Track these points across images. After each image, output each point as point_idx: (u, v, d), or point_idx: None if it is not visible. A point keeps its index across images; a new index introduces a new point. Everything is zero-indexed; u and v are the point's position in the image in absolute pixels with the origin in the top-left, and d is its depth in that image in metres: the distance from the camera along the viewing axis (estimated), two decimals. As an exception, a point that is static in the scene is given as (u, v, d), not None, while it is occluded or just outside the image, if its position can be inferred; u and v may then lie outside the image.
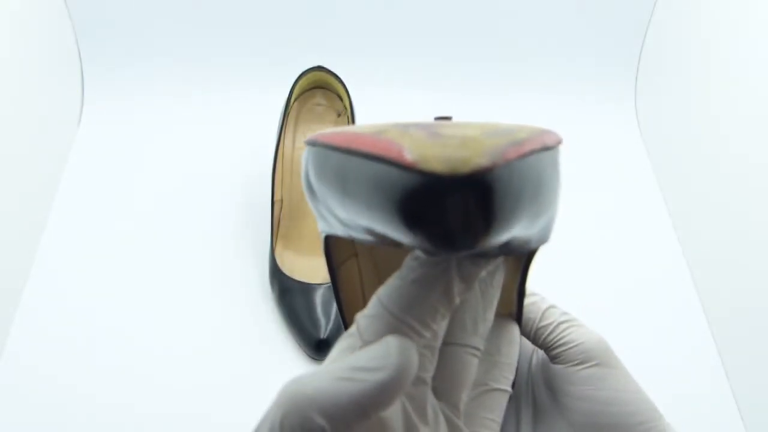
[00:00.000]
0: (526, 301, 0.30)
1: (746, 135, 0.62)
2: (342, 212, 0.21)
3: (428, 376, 0.23)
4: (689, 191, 0.70)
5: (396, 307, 0.21)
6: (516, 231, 0.19)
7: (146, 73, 0.78)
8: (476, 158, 0.17)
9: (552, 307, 0.30)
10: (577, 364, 0.28)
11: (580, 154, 0.76)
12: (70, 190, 0.69)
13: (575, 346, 0.29)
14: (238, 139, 0.74)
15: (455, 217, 0.17)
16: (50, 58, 0.72)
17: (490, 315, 0.26)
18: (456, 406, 0.25)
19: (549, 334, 0.29)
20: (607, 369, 0.28)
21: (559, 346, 0.29)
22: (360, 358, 0.20)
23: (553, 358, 0.29)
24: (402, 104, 0.77)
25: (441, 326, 0.23)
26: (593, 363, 0.28)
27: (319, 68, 0.66)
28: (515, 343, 0.28)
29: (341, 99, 0.68)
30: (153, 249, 0.65)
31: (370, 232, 0.21)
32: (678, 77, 0.74)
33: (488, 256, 0.23)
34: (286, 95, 0.65)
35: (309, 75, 0.66)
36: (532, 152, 0.19)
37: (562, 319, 0.29)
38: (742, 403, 0.59)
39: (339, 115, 0.69)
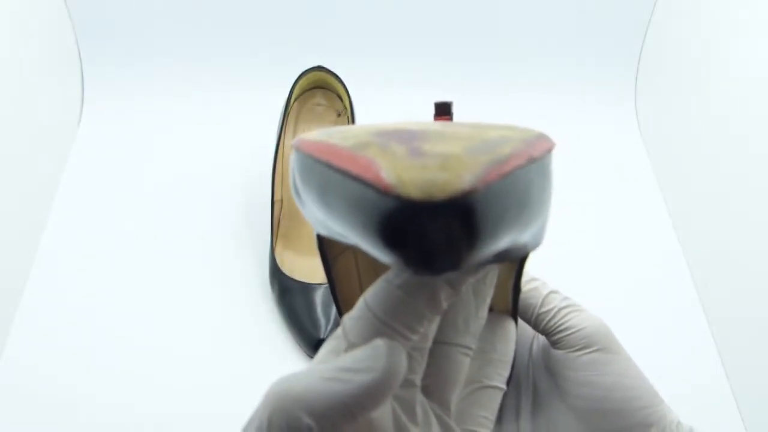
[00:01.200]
0: (527, 286, 0.30)
1: (746, 135, 0.62)
2: (325, 220, 0.21)
3: (417, 377, 0.23)
4: (689, 191, 0.70)
5: (381, 311, 0.21)
6: (503, 245, 0.19)
7: (146, 73, 0.78)
8: (454, 182, 0.17)
9: (553, 292, 0.30)
10: (579, 350, 0.28)
11: (580, 154, 0.76)
12: (70, 190, 0.69)
13: (577, 331, 0.29)
14: (238, 139, 0.74)
15: (434, 242, 0.17)
16: (50, 58, 0.72)
17: (483, 313, 0.25)
18: (447, 405, 0.24)
19: (550, 320, 0.29)
20: (609, 354, 0.28)
21: (561, 331, 0.29)
22: (349, 359, 0.20)
23: (555, 344, 0.29)
24: (402, 104, 0.77)
25: (429, 329, 0.23)
26: (595, 348, 0.28)
27: (319, 68, 0.66)
28: (510, 340, 0.28)
29: (341, 99, 0.68)
30: (153, 249, 0.65)
31: (353, 243, 0.20)
32: (678, 77, 0.74)
33: (479, 267, 0.22)
34: (286, 95, 0.65)
35: (309, 75, 0.66)
36: (516, 169, 0.19)
37: (564, 304, 0.29)
38: (742, 403, 0.59)
39: (339, 115, 0.69)
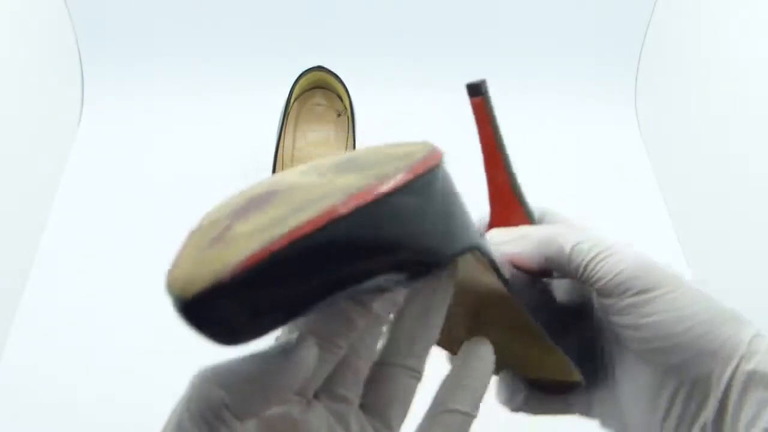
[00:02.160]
0: (550, 249, 0.29)
1: (746, 135, 0.62)
2: None
3: (349, 393, 0.23)
4: (689, 191, 0.70)
5: (303, 324, 0.22)
6: (279, 319, 0.20)
7: (146, 73, 0.78)
8: (199, 280, 0.19)
9: (579, 243, 0.29)
10: (618, 296, 0.28)
11: (580, 154, 0.76)
12: (70, 190, 0.69)
13: (611, 278, 0.28)
14: (238, 139, 0.74)
15: (205, 329, 0.19)
16: (50, 58, 0.72)
17: (432, 334, 0.25)
18: (388, 423, 0.24)
19: (583, 273, 0.29)
20: (648, 294, 0.27)
21: (596, 281, 0.28)
22: (267, 347, 0.22)
23: (598, 293, 0.29)
24: (402, 104, 0.77)
25: (361, 345, 0.24)
26: (632, 292, 0.28)
27: (319, 68, 0.66)
28: (484, 366, 0.26)
29: (341, 99, 0.68)
30: (153, 249, 0.64)
31: None
32: (678, 77, 0.74)
33: (376, 291, 0.22)
34: (286, 95, 0.65)
35: (309, 75, 0.66)
36: (292, 241, 0.18)
37: (592, 254, 0.28)
38: (742, 403, 0.58)
39: (339, 115, 0.69)
